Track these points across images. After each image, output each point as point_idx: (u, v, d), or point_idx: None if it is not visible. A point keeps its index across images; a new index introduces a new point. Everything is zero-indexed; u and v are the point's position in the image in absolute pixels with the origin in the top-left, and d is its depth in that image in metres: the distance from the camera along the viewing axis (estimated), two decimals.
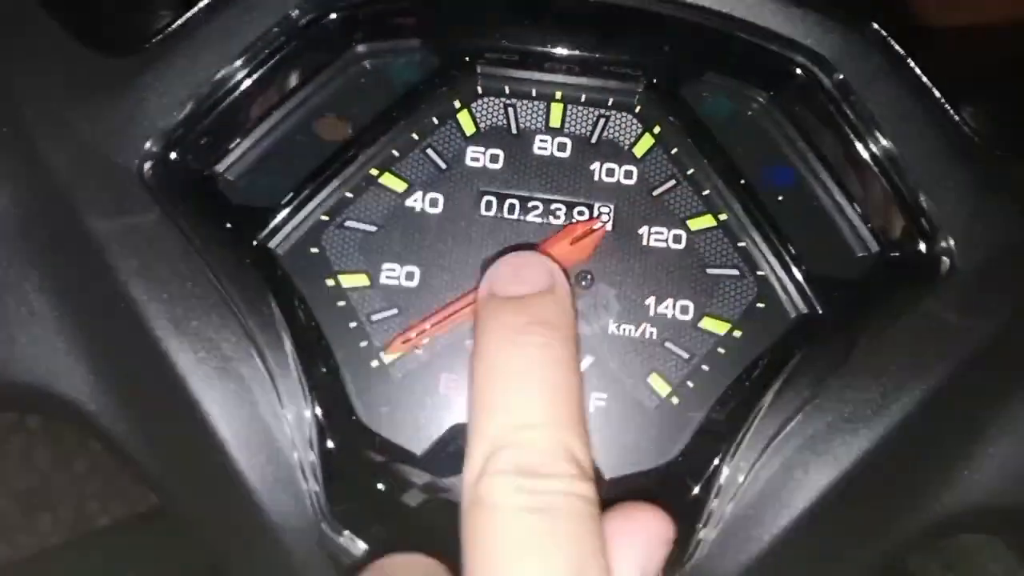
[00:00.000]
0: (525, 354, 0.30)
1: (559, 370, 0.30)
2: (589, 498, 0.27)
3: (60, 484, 1.47)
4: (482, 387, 0.30)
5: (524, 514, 0.26)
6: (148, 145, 0.37)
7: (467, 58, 0.39)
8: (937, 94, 0.37)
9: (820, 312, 0.37)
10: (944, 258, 0.37)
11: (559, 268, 0.34)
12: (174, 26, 0.38)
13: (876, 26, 0.37)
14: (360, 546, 0.36)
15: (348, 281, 0.38)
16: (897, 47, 0.37)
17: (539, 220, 0.39)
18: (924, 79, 0.37)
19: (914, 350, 0.36)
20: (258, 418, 0.36)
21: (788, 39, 0.37)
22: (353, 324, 0.38)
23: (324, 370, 0.37)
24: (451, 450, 0.36)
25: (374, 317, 0.38)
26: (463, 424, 0.37)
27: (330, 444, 0.36)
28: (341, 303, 0.38)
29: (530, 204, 0.39)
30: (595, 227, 0.38)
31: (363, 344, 0.38)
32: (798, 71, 0.38)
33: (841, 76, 0.37)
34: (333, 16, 0.38)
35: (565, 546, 0.26)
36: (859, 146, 0.37)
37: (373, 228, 0.39)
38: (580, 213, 0.39)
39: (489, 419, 0.29)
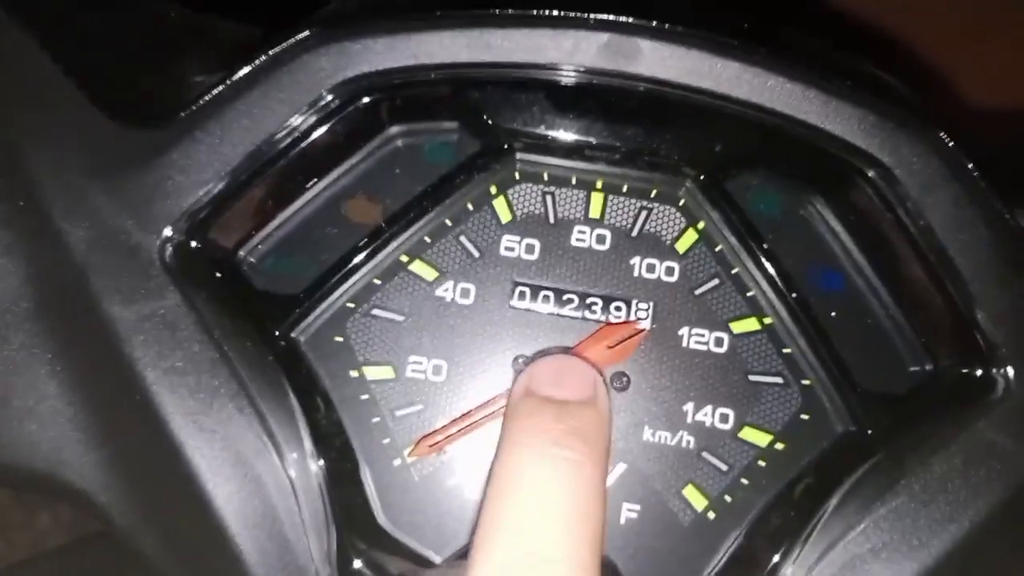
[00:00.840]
0: (556, 470, 0.28)
1: (588, 497, 0.27)
2: None
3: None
4: (500, 496, 0.28)
5: None
6: (170, 227, 0.35)
7: (505, 143, 0.38)
8: (998, 205, 0.35)
9: (869, 430, 0.35)
10: (1000, 379, 0.35)
11: (602, 379, 0.32)
12: (202, 101, 0.36)
13: (943, 135, 0.35)
14: None
15: (372, 373, 0.37)
16: (959, 154, 0.36)
17: (575, 315, 0.37)
18: (984, 186, 0.35)
19: (965, 476, 0.34)
20: (275, 524, 0.34)
21: (845, 141, 0.35)
22: (376, 419, 0.36)
23: (344, 468, 0.35)
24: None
25: (398, 412, 0.36)
26: None
27: (350, 557, 0.34)
28: (364, 396, 0.37)
29: (565, 297, 0.37)
30: (637, 328, 0.36)
31: (386, 441, 0.36)
32: (855, 175, 0.36)
33: (899, 182, 0.35)
34: (367, 99, 0.36)
35: None
36: (915, 255, 0.36)
37: (400, 318, 0.37)
38: (618, 309, 0.37)
39: (504, 537, 0.27)
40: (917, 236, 0.36)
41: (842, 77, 0.36)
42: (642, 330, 0.36)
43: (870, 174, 0.36)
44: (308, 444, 0.35)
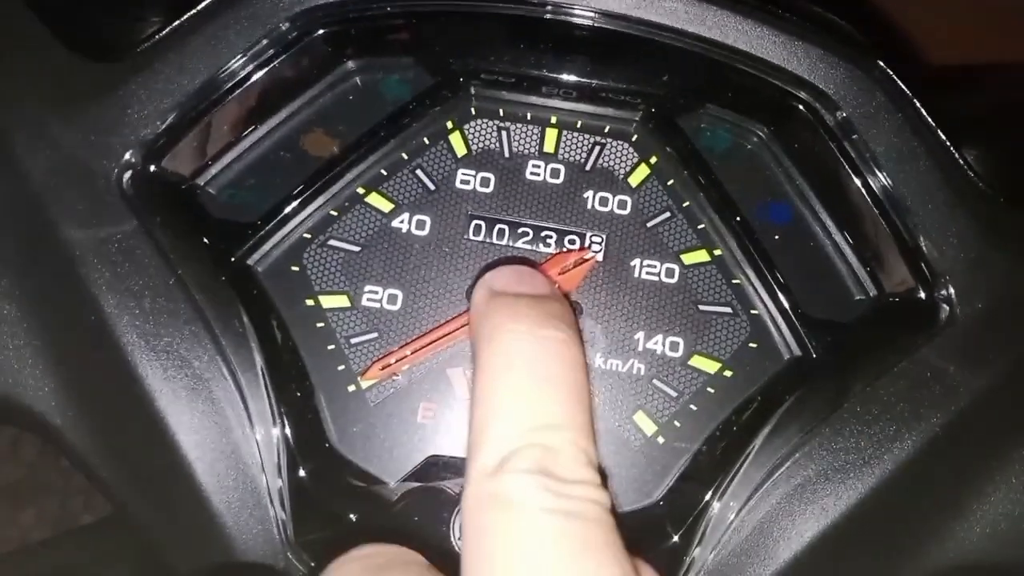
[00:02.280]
0: (547, 348, 0.28)
1: (579, 371, 0.28)
2: (610, 508, 0.26)
3: (46, 479, 1.45)
4: (498, 379, 0.28)
5: (554, 516, 0.24)
6: (128, 154, 0.36)
7: (462, 78, 0.38)
8: (942, 136, 0.36)
9: (814, 355, 0.36)
10: (944, 306, 0.35)
11: (554, 282, 0.33)
12: (162, 34, 0.37)
13: (882, 64, 0.36)
14: None
15: (328, 302, 0.37)
16: (903, 86, 0.37)
17: (528, 247, 0.38)
18: (929, 120, 0.36)
19: (909, 399, 0.35)
20: (227, 440, 0.34)
21: (791, 74, 0.36)
22: (331, 347, 0.37)
23: (298, 393, 0.36)
24: (425, 481, 0.35)
25: (353, 340, 0.37)
26: (439, 455, 0.35)
27: (301, 471, 0.35)
28: (320, 324, 0.37)
29: (520, 230, 0.38)
30: (585, 257, 0.36)
31: (340, 368, 0.37)
32: (800, 107, 0.37)
33: (844, 114, 0.36)
34: (323, 31, 0.37)
35: (604, 553, 0.25)
36: (860, 186, 0.36)
37: (357, 248, 0.38)
38: (571, 242, 0.38)
39: (507, 414, 0.27)
40: (861, 166, 0.36)
41: (788, 12, 0.37)
42: (591, 258, 0.36)
43: (816, 106, 0.37)
44: (261, 367, 0.35)
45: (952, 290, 0.35)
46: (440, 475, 0.35)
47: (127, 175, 0.36)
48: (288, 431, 0.35)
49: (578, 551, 0.24)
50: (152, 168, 0.36)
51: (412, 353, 0.36)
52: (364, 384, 0.37)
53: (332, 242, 0.38)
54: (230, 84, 0.37)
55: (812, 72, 0.36)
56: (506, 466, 0.25)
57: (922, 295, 0.36)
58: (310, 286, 0.37)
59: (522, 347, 0.28)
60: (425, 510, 0.34)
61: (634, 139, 0.39)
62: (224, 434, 0.34)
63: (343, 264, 0.38)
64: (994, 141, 0.39)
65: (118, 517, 0.38)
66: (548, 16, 0.37)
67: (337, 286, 0.37)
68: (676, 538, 0.34)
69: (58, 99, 0.36)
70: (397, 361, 0.36)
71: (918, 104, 0.36)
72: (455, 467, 0.35)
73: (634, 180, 0.38)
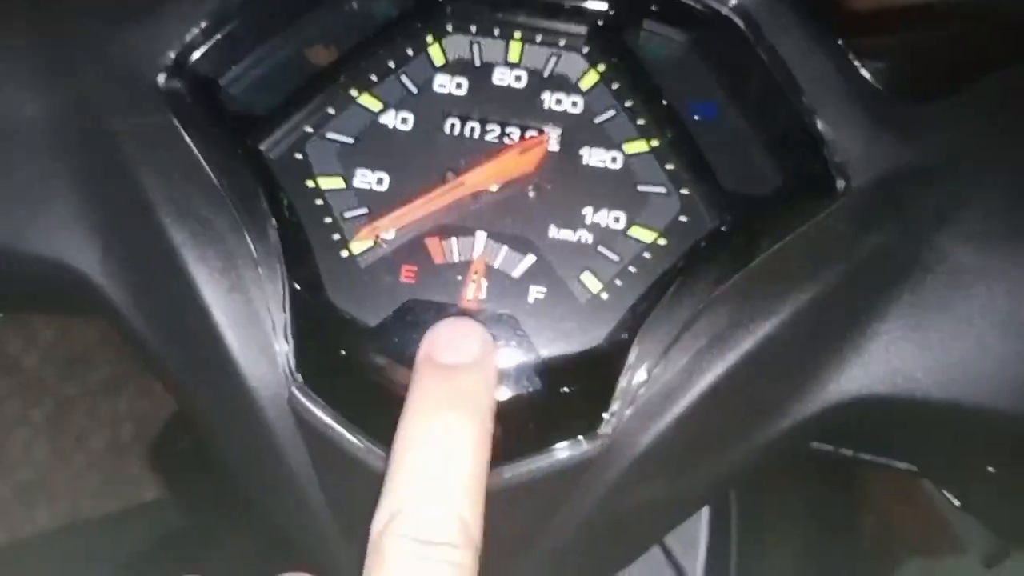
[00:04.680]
0: (437, 427, 0.34)
1: (467, 447, 0.34)
2: (467, 567, 0.32)
3: (58, 479, 1.51)
4: (397, 447, 0.34)
5: (411, 572, 0.31)
6: (165, 57, 0.43)
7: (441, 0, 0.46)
8: (839, 44, 0.43)
9: (732, 225, 0.43)
10: (840, 178, 0.42)
11: (492, 341, 0.39)
12: None
13: None
14: (326, 408, 0.41)
15: (326, 183, 0.44)
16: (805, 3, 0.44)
17: (496, 140, 0.45)
18: (827, 32, 0.44)
19: (811, 255, 0.41)
20: (241, 288, 0.41)
21: None
22: (328, 220, 0.44)
23: (300, 255, 0.43)
24: (403, 320, 0.42)
25: (347, 214, 0.44)
26: (415, 300, 0.42)
27: (301, 317, 0.41)
28: (319, 201, 0.44)
29: (488, 127, 0.45)
30: (542, 139, 0.44)
31: (335, 237, 0.44)
32: (721, 19, 0.44)
33: (757, 24, 0.43)
34: None
35: None
36: (770, 83, 0.43)
37: (351, 140, 0.45)
38: (531, 136, 0.45)
39: (397, 483, 0.33)
40: (772, 67, 0.43)
41: None
42: (545, 139, 0.44)
43: (734, 19, 0.44)
44: (271, 232, 0.42)
45: (848, 166, 0.42)
46: (415, 316, 0.42)
47: (163, 76, 0.43)
48: (292, 285, 0.42)
49: None
50: (183, 68, 0.44)
51: (391, 219, 0.43)
52: (356, 249, 0.44)
53: (329, 135, 0.45)
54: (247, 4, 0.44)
55: None
56: (388, 528, 0.32)
57: (823, 170, 0.43)
58: (311, 170, 0.45)
59: (419, 428, 0.34)
60: (399, 340, 0.41)
61: (585, 51, 0.46)
62: (238, 283, 0.41)
63: (339, 153, 0.45)
64: (892, 52, 0.46)
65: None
66: None
67: (333, 170, 0.45)
68: (613, 372, 0.41)
69: (107, 16, 0.44)
70: (379, 227, 0.43)
71: (818, 18, 0.43)
72: (427, 308, 0.42)
73: (585, 84, 0.46)
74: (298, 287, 0.42)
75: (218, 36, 0.44)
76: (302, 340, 0.41)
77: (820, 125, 0.42)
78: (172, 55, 0.44)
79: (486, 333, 0.39)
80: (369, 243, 0.44)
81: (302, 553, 0.46)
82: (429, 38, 0.46)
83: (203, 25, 0.44)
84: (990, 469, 0.46)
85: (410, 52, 0.46)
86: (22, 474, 1.45)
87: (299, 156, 0.45)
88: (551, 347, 0.42)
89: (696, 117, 0.45)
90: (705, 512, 0.66)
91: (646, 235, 0.44)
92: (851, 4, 0.50)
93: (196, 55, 0.44)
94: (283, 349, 0.41)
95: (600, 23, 0.46)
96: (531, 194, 0.44)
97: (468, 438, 0.34)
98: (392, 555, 0.31)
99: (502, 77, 0.46)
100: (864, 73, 0.43)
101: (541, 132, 0.45)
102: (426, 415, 0.35)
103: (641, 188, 0.44)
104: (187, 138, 0.43)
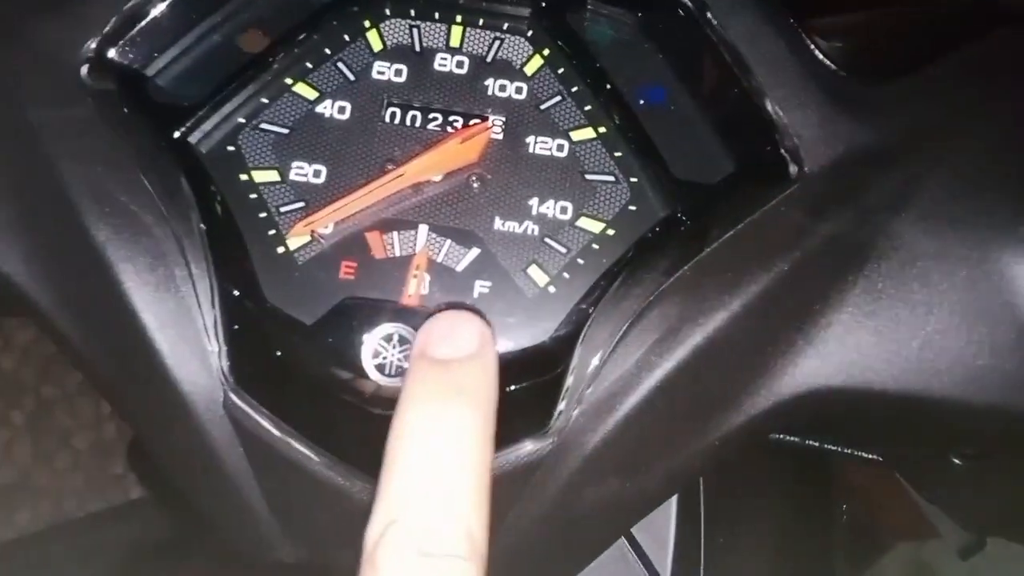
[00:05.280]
0: (440, 424, 0.31)
1: (470, 444, 0.30)
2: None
3: (39, 481, 1.48)
4: (393, 447, 0.30)
5: None
6: (87, 46, 0.41)
7: None
8: (792, 22, 0.42)
9: (682, 214, 0.41)
10: (793, 164, 0.41)
11: (490, 333, 0.35)
12: None
13: None
14: (262, 411, 0.39)
15: (260, 176, 0.43)
16: None
17: (438, 129, 0.43)
18: (780, 11, 0.42)
19: (763, 244, 0.40)
20: (170, 287, 0.39)
21: None
22: (263, 215, 0.42)
23: (233, 253, 0.41)
24: (340, 319, 0.40)
25: (283, 208, 0.42)
26: (353, 297, 0.41)
27: (234, 317, 0.40)
28: (253, 196, 0.42)
29: (430, 115, 0.43)
30: (484, 127, 0.42)
31: (271, 232, 0.42)
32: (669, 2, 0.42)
33: (705, 2, 0.42)
34: None
35: None
36: (720, 65, 0.42)
37: (286, 130, 0.43)
38: (475, 123, 0.43)
39: (395, 482, 0.29)
40: (722, 48, 0.42)
41: None
42: (488, 127, 0.42)
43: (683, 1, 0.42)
44: (197, 225, 0.40)
45: (801, 150, 0.41)
46: (353, 314, 0.40)
47: (86, 66, 0.41)
48: (224, 284, 0.40)
49: None
50: (106, 58, 0.42)
51: (327, 214, 0.41)
52: (292, 245, 0.42)
53: (264, 125, 0.43)
54: None
55: None
56: (384, 538, 0.28)
57: (775, 158, 0.41)
58: (244, 163, 0.43)
59: (417, 427, 0.30)
60: (336, 340, 0.39)
61: (529, 34, 0.44)
62: (166, 280, 0.39)
63: (274, 144, 0.43)
64: (847, 32, 0.45)
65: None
66: None
67: (268, 163, 0.43)
68: (561, 369, 0.39)
69: (30, 1, 0.42)
70: (317, 219, 0.41)
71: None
72: (365, 306, 0.40)
73: (529, 69, 0.44)
74: (231, 285, 0.40)
75: (142, 24, 0.42)
76: (236, 341, 0.39)
77: (771, 108, 0.41)
78: (94, 45, 0.41)
79: (483, 325, 0.35)
80: (306, 238, 0.42)
81: (247, 559, 0.44)
82: (366, 22, 0.44)
83: (126, 13, 0.42)
84: (956, 461, 0.44)
85: (347, 37, 0.44)
86: (3, 476, 1.43)
87: (232, 148, 0.43)
88: (497, 344, 0.41)
89: (645, 102, 0.43)
90: (674, 506, 0.65)
91: (594, 225, 0.42)
92: None
93: (119, 45, 0.42)
94: (216, 350, 0.39)
95: (544, 4, 0.44)
96: (475, 185, 0.42)
97: (471, 435, 0.30)
98: (389, 570, 0.27)
99: (443, 63, 0.44)
100: (818, 54, 0.42)
101: (485, 119, 0.43)
102: (424, 411, 0.31)
103: (589, 177, 0.43)
104: (110, 131, 0.41)
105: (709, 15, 0.42)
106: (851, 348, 0.40)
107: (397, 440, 0.30)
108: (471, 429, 0.31)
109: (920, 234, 0.40)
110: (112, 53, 0.42)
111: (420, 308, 0.40)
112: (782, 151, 0.41)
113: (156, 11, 0.42)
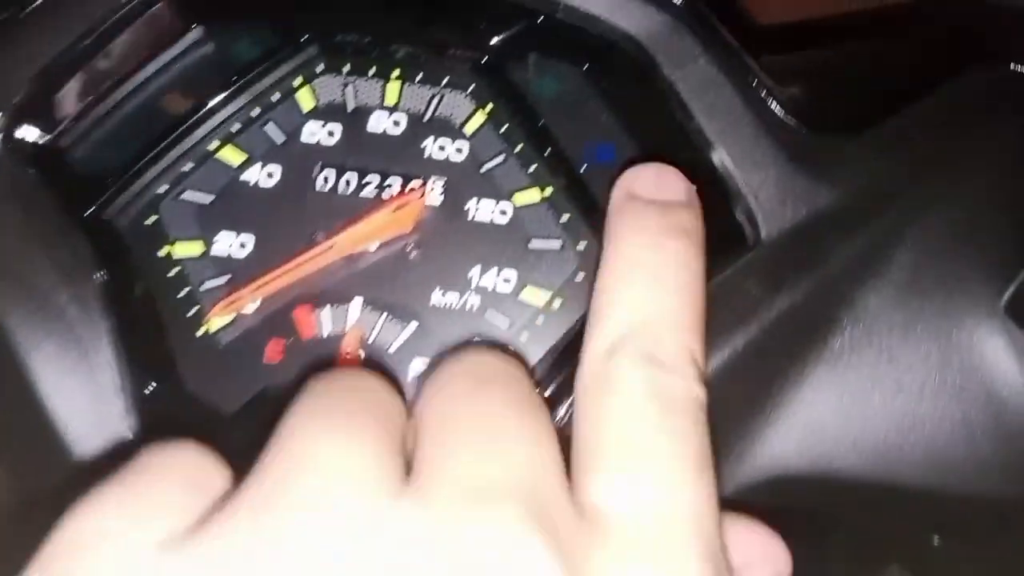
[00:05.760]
0: (666, 257, 0.30)
1: (693, 278, 0.30)
2: (705, 405, 0.28)
3: None
4: (617, 278, 0.30)
5: (655, 402, 0.26)
6: None
7: (308, 37, 0.41)
8: (749, 76, 0.39)
9: None
10: (749, 228, 0.38)
11: (692, 186, 0.34)
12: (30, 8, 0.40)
13: (692, 5, 0.39)
14: None
15: (182, 250, 0.40)
16: (714, 26, 0.39)
17: (374, 194, 0.40)
18: (736, 60, 0.39)
19: (717, 319, 0.37)
20: (81, 372, 0.37)
21: (601, 20, 0.38)
22: (183, 292, 0.39)
23: (150, 336, 0.38)
24: (262, 410, 0.37)
25: (205, 285, 0.40)
26: (276, 386, 0.38)
27: (149, 404, 0.37)
28: (173, 272, 0.40)
29: (365, 179, 0.40)
30: (418, 196, 0.39)
31: (192, 312, 0.39)
32: (615, 53, 0.39)
33: (655, 57, 0.39)
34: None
35: (691, 438, 0.26)
36: (672, 122, 0.39)
37: (210, 198, 0.40)
38: (413, 188, 0.40)
39: (621, 307, 0.29)
40: (673, 104, 0.39)
41: None
42: (422, 196, 0.39)
43: (629, 51, 0.39)
44: (110, 311, 0.37)
45: (757, 214, 0.38)
46: (275, 405, 0.37)
47: None
48: (138, 371, 0.37)
49: (675, 436, 0.26)
50: (17, 131, 0.39)
51: (256, 289, 0.38)
52: (214, 326, 0.39)
53: (187, 194, 0.40)
54: (85, 52, 0.39)
55: (621, 17, 0.38)
56: (615, 353, 0.27)
57: (730, 220, 0.38)
58: (165, 236, 0.40)
59: (642, 256, 0.30)
60: (259, 432, 0.37)
61: (470, 89, 0.41)
62: (79, 366, 0.37)
63: (197, 214, 0.40)
64: (807, 80, 0.41)
65: None
66: None
67: (191, 234, 0.40)
68: None
69: None
70: (241, 298, 0.38)
71: (727, 44, 0.39)
72: (289, 395, 0.37)
73: (470, 128, 0.41)
74: (146, 373, 0.37)
75: (55, 95, 0.39)
76: (152, 431, 0.37)
77: (725, 168, 0.38)
78: (3, 114, 0.39)
79: (687, 182, 0.34)
80: (229, 318, 0.39)
81: None
82: (297, 80, 0.41)
83: (36, 85, 0.39)
84: (936, 541, 0.41)
85: (275, 97, 0.41)
86: None
87: (151, 220, 0.40)
88: None
89: (593, 161, 0.40)
90: None
91: (539, 297, 0.39)
92: (757, 20, 0.45)
93: (29, 119, 0.39)
94: (130, 439, 0.37)
95: (485, 58, 0.41)
96: (413, 254, 0.40)
97: (696, 268, 0.30)
98: (628, 381, 0.26)
99: (379, 122, 0.41)
100: (775, 107, 0.39)
101: (425, 183, 0.40)
102: (649, 243, 0.30)
103: (533, 244, 0.40)
104: (21, 209, 0.38)
105: (658, 67, 0.39)
106: (814, 430, 0.37)
107: (621, 269, 0.30)
108: (693, 264, 0.30)
109: (886, 305, 0.37)
110: (21, 131, 0.39)
111: None
112: (737, 215, 0.38)
113: (70, 81, 0.39)
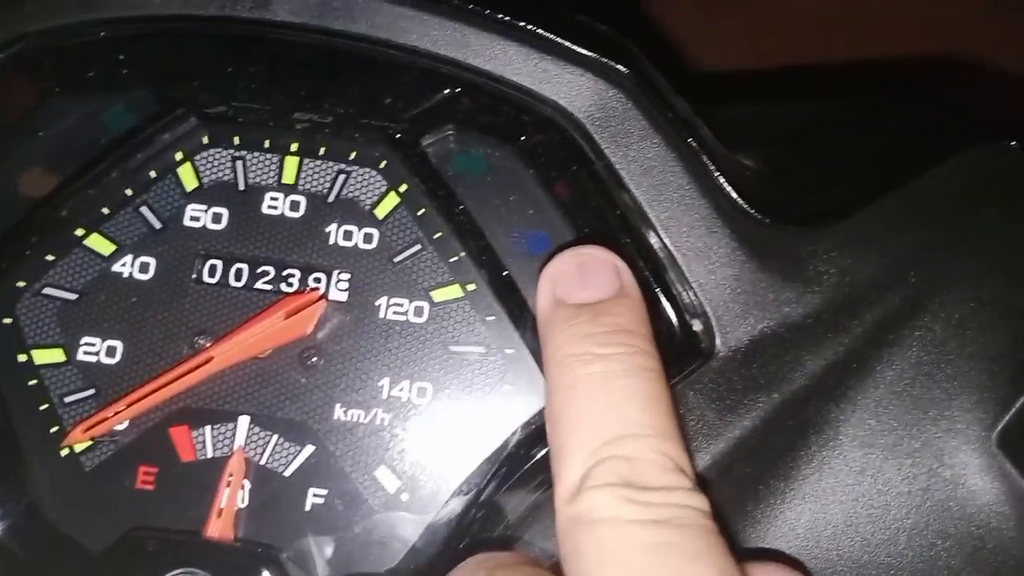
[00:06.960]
0: (612, 365, 0.27)
1: (649, 379, 0.27)
2: (708, 512, 0.25)
3: None
4: (565, 404, 0.27)
5: (642, 527, 0.24)
6: None
7: (190, 105, 0.35)
8: (703, 154, 0.33)
9: None
10: (703, 338, 0.32)
11: (624, 265, 0.30)
12: None
13: (637, 77, 0.33)
14: None
15: (42, 357, 0.34)
16: (663, 94, 0.34)
17: (269, 287, 0.35)
18: (689, 133, 0.33)
19: None
20: None
21: (531, 91, 0.33)
22: (44, 407, 0.34)
23: (6, 457, 0.33)
24: (130, 554, 0.32)
25: (68, 399, 0.34)
26: (144, 527, 0.32)
27: (5, 539, 0.31)
28: (32, 382, 0.34)
29: (259, 270, 0.35)
30: (315, 297, 0.33)
31: (54, 430, 0.33)
32: (546, 127, 0.34)
33: (593, 133, 0.33)
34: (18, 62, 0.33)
35: (703, 559, 0.23)
36: (612, 209, 0.33)
37: (74, 296, 0.34)
38: (316, 280, 0.35)
39: (582, 433, 0.26)
40: (613, 189, 0.33)
41: (544, 25, 0.34)
42: (321, 297, 0.33)
43: (563, 125, 0.34)
44: None
45: (711, 320, 0.32)
46: (142, 549, 0.32)
47: None
48: None
49: (672, 559, 0.23)
50: None
51: (124, 410, 0.32)
52: (78, 447, 0.33)
53: (47, 290, 0.34)
54: None
55: (555, 91, 0.33)
56: (585, 485, 0.25)
57: (679, 326, 0.33)
58: (23, 340, 0.34)
59: (585, 369, 0.27)
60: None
61: (382, 166, 0.35)
62: None
63: (59, 314, 0.34)
64: (764, 147, 0.36)
65: None
66: (269, 34, 0.34)
67: (52, 339, 0.34)
68: None
69: None
70: (104, 420, 0.32)
71: (673, 121, 0.33)
72: (155, 541, 0.32)
73: (381, 211, 0.35)
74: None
75: None
76: (7, 570, 0.31)
77: (673, 267, 0.33)
78: None
79: (614, 256, 0.30)
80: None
81: None
82: (178, 155, 0.35)
83: None
84: None
85: (153, 174, 0.35)
86: None
87: (7, 321, 0.34)
88: (336, 570, 0.32)
89: (522, 250, 0.35)
90: None
91: None
92: (696, 68, 0.40)
93: None
94: None
95: (400, 131, 0.35)
96: (311, 361, 0.34)
97: (649, 367, 0.28)
98: (608, 513, 0.24)
99: (274, 204, 0.35)
100: (732, 192, 0.33)
101: (329, 275, 0.35)
102: (587, 355, 0.28)
103: (454, 348, 0.34)
104: None
105: (596, 143, 0.33)
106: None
107: (568, 391, 0.27)
108: (645, 364, 0.28)
109: (860, 433, 0.31)
110: None
111: (224, 545, 0.32)
112: (688, 322, 0.33)
113: None
